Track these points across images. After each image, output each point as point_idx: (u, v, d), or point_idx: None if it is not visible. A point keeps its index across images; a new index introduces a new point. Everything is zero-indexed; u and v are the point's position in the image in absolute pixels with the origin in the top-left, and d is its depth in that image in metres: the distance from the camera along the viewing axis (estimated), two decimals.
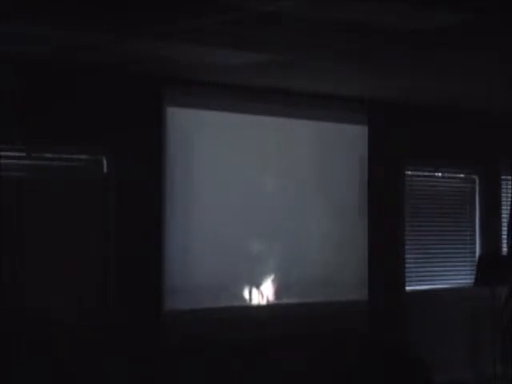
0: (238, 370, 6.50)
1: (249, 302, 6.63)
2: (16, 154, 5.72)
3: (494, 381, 7.49)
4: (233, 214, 6.52)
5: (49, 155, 5.88)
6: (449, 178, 8.02)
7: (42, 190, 5.77)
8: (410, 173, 7.63)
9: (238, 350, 6.53)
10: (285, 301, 6.76)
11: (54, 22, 4.64)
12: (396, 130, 7.45)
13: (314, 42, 5.05)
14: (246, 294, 6.61)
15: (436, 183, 7.92)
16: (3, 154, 5.61)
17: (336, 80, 6.40)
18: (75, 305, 5.84)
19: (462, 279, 7.92)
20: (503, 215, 8.04)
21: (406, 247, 7.54)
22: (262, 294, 6.68)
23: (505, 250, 7.76)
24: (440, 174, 7.95)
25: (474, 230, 8.04)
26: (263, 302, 6.69)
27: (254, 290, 6.64)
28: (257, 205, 6.64)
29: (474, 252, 8.02)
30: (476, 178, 8.07)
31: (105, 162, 6.04)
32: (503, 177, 8.22)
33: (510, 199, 8.00)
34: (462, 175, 8.11)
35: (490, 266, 7.44)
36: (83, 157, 6.03)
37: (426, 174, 7.82)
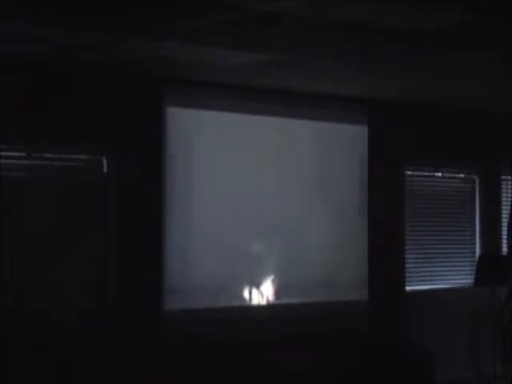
0: (238, 370, 6.50)
1: (249, 302, 6.63)
2: (16, 153, 5.72)
3: (494, 381, 7.49)
4: (233, 214, 6.52)
5: (49, 155, 5.88)
6: (449, 177, 8.02)
7: (42, 190, 5.77)
8: (409, 173, 7.63)
9: (238, 349, 6.53)
10: (285, 301, 6.76)
11: (54, 22, 4.64)
12: (396, 130, 7.45)
13: (314, 42, 5.05)
14: (245, 294, 6.61)
15: (436, 183, 7.91)
16: (3, 153, 5.61)
17: (336, 80, 6.40)
18: (75, 305, 5.84)
19: (462, 279, 7.92)
20: (503, 215, 8.04)
21: (406, 247, 7.54)
22: (262, 294, 6.68)
23: (505, 249, 7.76)
24: (440, 174, 7.95)
25: (474, 230, 8.04)
26: (263, 301, 6.69)
27: (254, 290, 6.64)
28: (257, 205, 6.64)
29: (474, 252, 8.01)
30: (476, 178, 8.07)
31: (105, 162, 6.04)
32: (503, 177, 8.22)
33: (510, 199, 8.00)
34: (462, 175, 8.11)
35: (490, 266, 7.44)
36: (83, 157, 6.03)
37: (426, 174, 7.82)
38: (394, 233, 7.43)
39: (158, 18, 4.54)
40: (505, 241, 7.74)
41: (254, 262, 6.64)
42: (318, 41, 5.03)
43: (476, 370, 7.78)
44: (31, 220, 5.69)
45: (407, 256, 7.55)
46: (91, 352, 5.85)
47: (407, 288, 7.53)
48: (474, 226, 8.04)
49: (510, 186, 8.28)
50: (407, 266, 7.54)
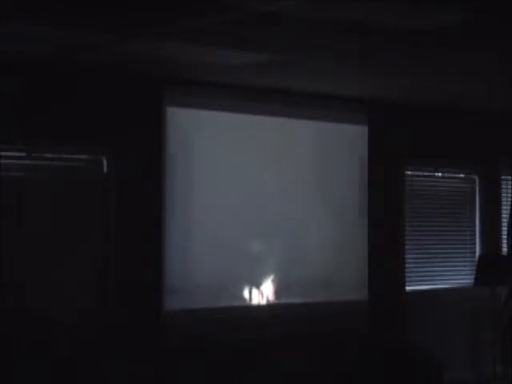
0: (238, 370, 6.50)
1: (249, 302, 6.63)
2: (16, 153, 5.72)
3: (494, 381, 7.49)
4: (233, 214, 6.52)
5: (49, 155, 5.88)
6: (449, 178, 8.02)
7: (42, 189, 5.77)
8: (409, 173, 7.63)
9: (238, 349, 6.53)
10: (285, 301, 6.76)
11: (54, 22, 4.64)
12: (396, 130, 7.45)
13: (314, 42, 5.05)
14: (246, 294, 6.61)
15: (436, 183, 7.92)
16: (3, 153, 5.61)
17: (336, 80, 6.40)
18: (75, 305, 5.84)
19: (462, 279, 7.92)
20: (503, 215, 8.04)
21: (406, 247, 7.54)
22: (262, 294, 6.68)
23: (505, 249, 7.76)
24: (440, 174, 7.95)
25: (474, 230, 8.04)
26: (263, 301, 6.69)
27: (254, 290, 6.64)
28: (257, 205, 6.64)
29: (474, 252, 8.01)
30: (476, 178, 8.07)
31: (105, 162, 6.04)
32: (503, 177, 8.22)
33: (510, 199, 8.00)
34: (462, 175, 8.11)
35: (490, 266, 7.44)
36: (83, 157, 6.03)
37: (426, 173, 7.82)
38: (394, 233, 7.43)
39: (158, 18, 4.53)
40: (505, 241, 7.74)
41: (254, 261, 6.64)
42: (318, 41, 5.03)
43: (476, 369, 7.78)
44: (31, 220, 5.69)
45: (407, 256, 7.55)
46: (91, 352, 5.85)
47: (407, 288, 7.53)
48: (474, 225, 8.04)
49: (510, 186, 8.28)
50: (407, 265, 7.54)
